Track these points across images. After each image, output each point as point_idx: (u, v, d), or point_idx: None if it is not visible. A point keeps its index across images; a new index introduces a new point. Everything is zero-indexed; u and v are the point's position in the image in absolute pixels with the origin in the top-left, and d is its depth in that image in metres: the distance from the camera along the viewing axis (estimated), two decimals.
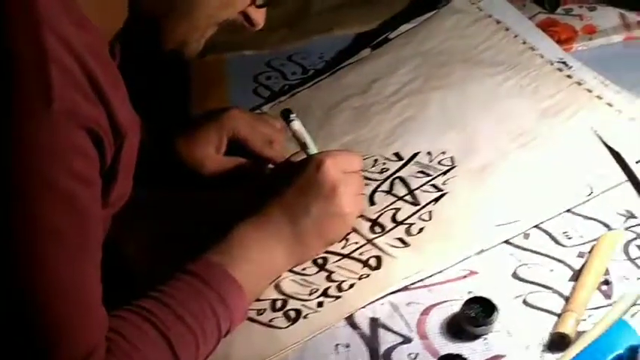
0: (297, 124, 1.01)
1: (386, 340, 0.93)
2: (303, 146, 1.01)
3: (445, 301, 0.95)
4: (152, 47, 0.90)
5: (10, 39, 0.71)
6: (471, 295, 0.93)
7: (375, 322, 0.94)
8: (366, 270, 0.99)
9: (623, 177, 0.98)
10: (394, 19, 1.34)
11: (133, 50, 0.94)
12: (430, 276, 0.97)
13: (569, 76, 1.17)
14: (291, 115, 1.01)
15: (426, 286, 0.96)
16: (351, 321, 0.95)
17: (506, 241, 0.99)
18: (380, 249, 1.01)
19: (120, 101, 0.80)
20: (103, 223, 0.82)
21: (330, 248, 1.02)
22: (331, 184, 0.97)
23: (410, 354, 0.91)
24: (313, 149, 1.01)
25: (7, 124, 0.70)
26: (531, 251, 0.99)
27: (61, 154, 0.73)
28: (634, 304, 0.90)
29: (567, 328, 0.89)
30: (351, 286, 0.98)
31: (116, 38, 0.88)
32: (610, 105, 1.11)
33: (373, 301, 0.96)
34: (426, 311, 0.94)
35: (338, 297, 0.97)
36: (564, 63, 1.19)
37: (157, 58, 0.95)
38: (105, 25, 0.83)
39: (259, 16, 0.92)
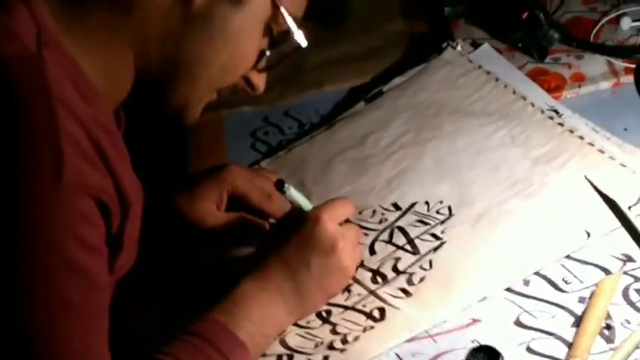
0: (292, 192, 1.01)
1: None
2: (301, 210, 1.01)
3: (450, 351, 0.94)
4: (155, 112, 0.92)
5: (23, 114, 0.72)
6: (475, 344, 0.93)
7: None
8: (370, 322, 0.99)
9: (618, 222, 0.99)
10: (386, 73, 1.35)
11: (136, 115, 0.95)
12: (434, 326, 0.97)
13: (560, 124, 1.17)
14: (285, 186, 1.00)
15: (430, 336, 0.96)
16: None
17: (508, 289, 0.99)
18: (383, 300, 1.01)
19: (125, 170, 0.81)
20: (108, 289, 0.82)
21: (333, 300, 1.02)
22: (330, 239, 0.97)
23: None
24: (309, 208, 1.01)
25: (18, 196, 0.72)
26: (532, 298, 0.98)
27: (71, 224, 0.74)
28: (636, 348, 0.90)
29: None
30: (356, 338, 0.97)
31: (121, 106, 0.89)
32: (602, 152, 1.12)
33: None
34: None
35: (343, 350, 0.97)
36: (555, 111, 1.19)
37: (158, 123, 0.97)
38: (111, 93, 0.85)
39: (260, 80, 0.94)
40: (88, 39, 0.82)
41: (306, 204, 1.02)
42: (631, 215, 0.97)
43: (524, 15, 1.30)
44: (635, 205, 1.03)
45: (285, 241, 0.97)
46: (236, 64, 0.89)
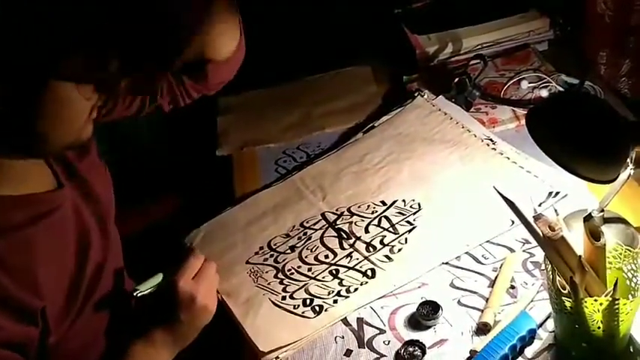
0: (143, 289, 0.95)
1: (368, 332, 0.97)
2: (161, 287, 0.98)
3: (407, 304, 1.00)
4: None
5: None
6: (424, 299, 0.99)
7: (360, 320, 0.99)
8: (365, 278, 1.04)
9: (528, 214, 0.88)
10: (377, 112, 1.38)
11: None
12: (401, 286, 1.02)
13: (494, 149, 1.24)
14: (134, 294, 0.95)
15: (393, 295, 1.02)
16: (344, 320, 1.00)
17: (446, 263, 1.04)
18: (373, 263, 1.07)
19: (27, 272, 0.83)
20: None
21: (341, 262, 1.06)
22: (187, 295, 0.95)
23: (384, 341, 0.96)
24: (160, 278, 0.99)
25: None
26: (462, 268, 1.04)
27: None
28: (531, 301, 0.95)
29: (488, 318, 0.93)
30: (356, 289, 1.03)
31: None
32: (522, 167, 1.18)
33: (366, 304, 1.00)
34: (394, 311, 0.99)
35: (347, 297, 1.02)
36: (490, 139, 1.26)
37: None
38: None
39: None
40: None
41: (157, 280, 0.97)
42: (527, 214, 0.85)
43: (456, 80, 1.36)
44: (544, 201, 1.08)
45: (166, 310, 0.95)
46: (71, 123, 0.79)
